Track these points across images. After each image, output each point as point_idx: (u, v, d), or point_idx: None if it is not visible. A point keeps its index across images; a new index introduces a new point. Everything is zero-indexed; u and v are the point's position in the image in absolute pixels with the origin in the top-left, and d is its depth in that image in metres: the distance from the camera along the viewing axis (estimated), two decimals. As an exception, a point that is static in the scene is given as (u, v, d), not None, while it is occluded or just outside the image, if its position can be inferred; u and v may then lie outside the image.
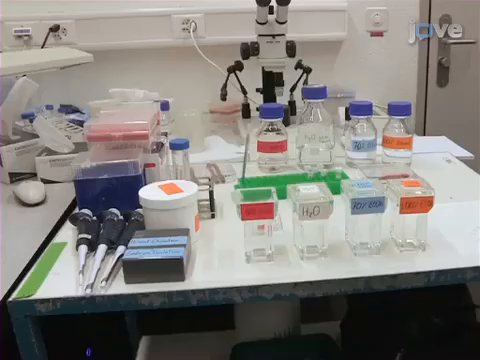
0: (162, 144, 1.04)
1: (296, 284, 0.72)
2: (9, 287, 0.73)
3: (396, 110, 1.11)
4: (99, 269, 0.75)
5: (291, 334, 1.34)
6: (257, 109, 1.24)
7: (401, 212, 0.75)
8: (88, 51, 1.29)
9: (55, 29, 1.58)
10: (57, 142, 1.16)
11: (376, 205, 0.74)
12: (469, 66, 1.78)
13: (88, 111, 1.48)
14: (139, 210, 0.87)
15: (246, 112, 1.54)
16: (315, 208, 0.74)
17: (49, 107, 1.53)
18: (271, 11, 1.34)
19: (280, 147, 1.12)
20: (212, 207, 0.94)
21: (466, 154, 1.23)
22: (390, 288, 0.74)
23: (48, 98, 1.56)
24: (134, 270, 0.73)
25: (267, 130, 1.12)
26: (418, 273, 0.73)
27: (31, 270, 0.78)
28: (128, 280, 0.73)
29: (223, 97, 1.49)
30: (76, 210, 0.95)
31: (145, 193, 0.83)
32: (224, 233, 0.87)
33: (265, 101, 1.44)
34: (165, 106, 1.33)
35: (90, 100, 1.44)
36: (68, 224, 0.91)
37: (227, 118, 1.58)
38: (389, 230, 0.82)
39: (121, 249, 0.78)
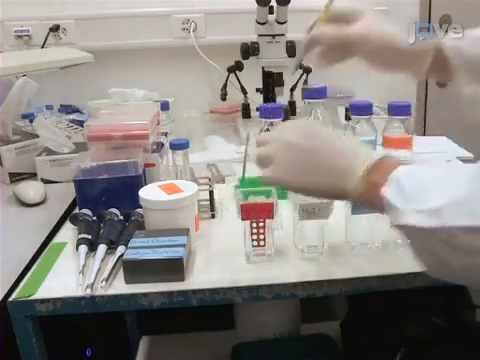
0: (162, 144, 1.04)
1: (296, 284, 0.72)
2: (9, 287, 0.73)
3: (396, 110, 1.10)
4: (99, 269, 0.75)
5: (291, 334, 1.34)
6: (257, 109, 1.24)
7: (401, 212, 0.75)
8: (88, 51, 1.28)
9: (55, 29, 1.58)
10: (57, 142, 1.16)
11: (376, 205, 0.74)
12: (469, 66, 1.77)
13: (88, 111, 1.48)
14: (139, 210, 0.87)
15: (246, 112, 1.54)
16: (315, 208, 0.74)
17: (49, 107, 1.52)
18: (271, 11, 1.34)
19: (280, 147, 1.12)
20: (212, 207, 0.94)
21: (466, 154, 1.23)
22: (390, 288, 0.74)
23: (48, 98, 1.55)
24: (134, 270, 0.73)
25: (267, 130, 1.11)
26: (418, 273, 0.73)
27: (31, 270, 0.78)
28: (128, 280, 0.73)
29: (223, 97, 1.49)
30: (76, 210, 0.95)
31: (145, 193, 0.83)
32: (224, 233, 0.87)
33: (265, 101, 1.44)
34: (165, 106, 1.33)
35: (90, 100, 1.44)
36: (68, 224, 0.91)
37: (227, 118, 1.57)
38: (389, 230, 0.81)
39: (121, 249, 0.78)
